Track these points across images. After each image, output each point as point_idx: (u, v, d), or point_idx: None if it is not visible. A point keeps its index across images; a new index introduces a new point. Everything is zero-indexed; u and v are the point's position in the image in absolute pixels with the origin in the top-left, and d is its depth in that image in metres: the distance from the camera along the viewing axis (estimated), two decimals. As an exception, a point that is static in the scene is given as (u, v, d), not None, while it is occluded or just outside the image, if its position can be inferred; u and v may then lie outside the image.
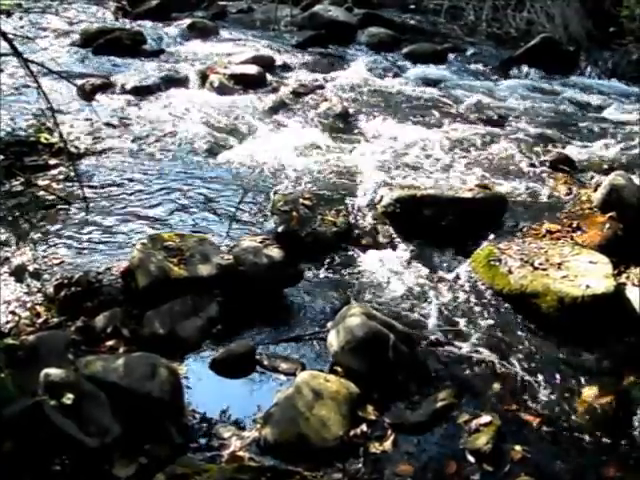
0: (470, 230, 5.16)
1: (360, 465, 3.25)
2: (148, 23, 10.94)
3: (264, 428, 3.37)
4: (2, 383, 3.16)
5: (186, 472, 3.06)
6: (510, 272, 4.51)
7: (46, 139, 6.18)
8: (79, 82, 7.65)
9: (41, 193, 5.48)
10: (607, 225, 5.13)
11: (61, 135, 5.67)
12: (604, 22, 10.23)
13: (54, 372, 3.27)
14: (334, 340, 3.85)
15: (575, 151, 6.71)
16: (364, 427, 3.43)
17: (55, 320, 4.07)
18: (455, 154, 6.47)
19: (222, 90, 8.05)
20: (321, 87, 8.39)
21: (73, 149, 6.19)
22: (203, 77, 8.36)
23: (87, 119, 6.95)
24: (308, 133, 6.90)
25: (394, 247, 5.06)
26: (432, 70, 9.67)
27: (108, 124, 6.92)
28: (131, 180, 5.82)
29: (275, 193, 5.50)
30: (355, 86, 8.48)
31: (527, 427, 3.54)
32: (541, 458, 3.37)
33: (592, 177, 6.05)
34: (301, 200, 5.33)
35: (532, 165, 6.25)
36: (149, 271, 4.28)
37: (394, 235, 5.17)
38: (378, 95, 8.29)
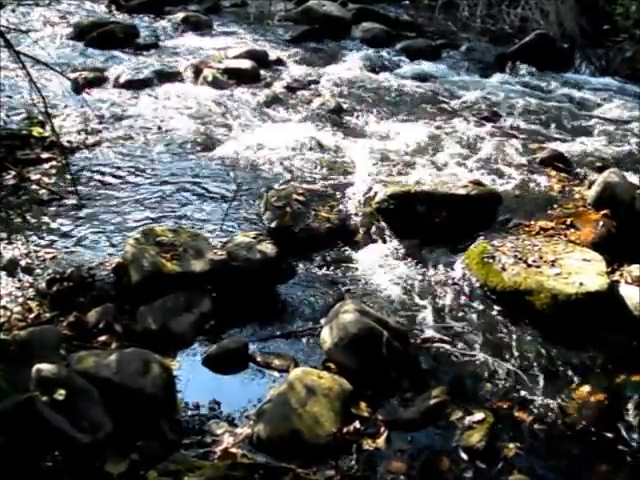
0: (464, 227, 5.16)
1: (353, 462, 3.24)
2: (141, 16, 10.88)
3: (257, 425, 3.36)
4: (-7, 379, 3.16)
5: (179, 469, 3.06)
6: (504, 269, 4.51)
7: (39, 132, 6.16)
8: (72, 75, 7.61)
9: (33, 187, 5.45)
10: (601, 222, 5.13)
11: (53, 129, 5.66)
12: (598, 19, 10.23)
13: (46, 367, 3.26)
14: (327, 336, 3.85)
15: (569, 148, 6.69)
16: (357, 424, 3.43)
17: (47, 315, 4.05)
18: (449, 150, 6.45)
19: (215, 84, 8.01)
20: (315, 82, 8.37)
21: (66, 143, 6.17)
22: (196, 71, 8.32)
23: (80, 112, 6.92)
24: (302, 128, 6.87)
25: (388, 243, 5.05)
26: (426, 66, 9.62)
27: (101, 118, 6.89)
28: (124, 174, 5.80)
29: (268, 189, 5.48)
30: (349, 81, 8.45)
31: (520, 424, 3.54)
32: (534, 455, 3.37)
33: (586, 174, 6.05)
34: (294, 196, 5.32)
35: (526, 162, 6.23)
36: (142, 266, 4.27)
37: (387, 231, 5.15)
38: (372, 91, 8.27)
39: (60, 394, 3.15)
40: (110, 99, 7.44)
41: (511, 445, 3.39)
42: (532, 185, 5.81)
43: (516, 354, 4.01)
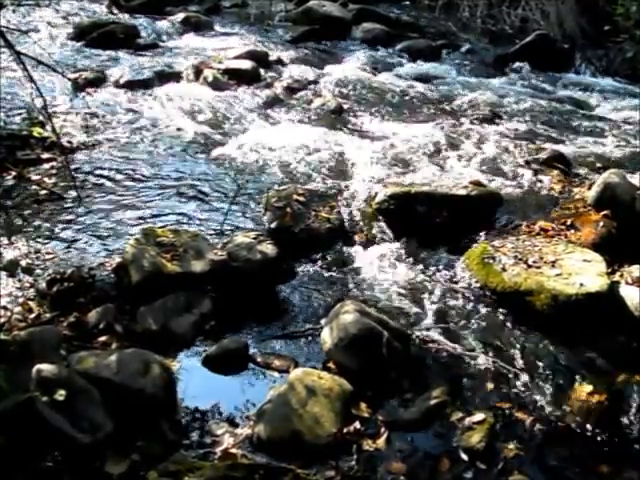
0: (464, 227, 5.16)
1: (353, 463, 3.24)
2: (142, 17, 10.87)
3: (257, 425, 3.36)
4: (-6, 379, 3.16)
5: (179, 469, 3.06)
6: (504, 270, 4.51)
7: (39, 133, 6.16)
8: (72, 75, 7.62)
9: (34, 187, 5.45)
10: (601, 223, 5.13)
11: (54, 129, 5.66)
12: (599, 20, 10.23)
13: (46, 368, 3.26)
14: (327, 337, 3.85)
15: (569, 149, 6.70)
16: (357, 424, 3.43)
17: (47, 315, 4.04)
18: (449, 151, 6.45)
19: (216, 85, 8.02)
20: (315, 83, 8.39)
21: (66, 143, 6.16)
22: (197, 72, 8.32)
23: (80, 113, 6.92)
24: (302, 129, 6.89)
25: (388, 244, 5.05)
26: (427, 66, 9.66)
27: (101, 118, 6.89)
28: (124, 175, 5.80)
29: (269, 189, 5.48)
30: (349, 82, 8.45)
31: (520, 425, 3.54)
32: (534, 456, 3.37)
33: (586, 175, 6.05)
34: (295, 196, 5.31)
35: (526, 162, 6.23)
36: (142, 267, 4.26)
37: (388, 232, 5.16)
38: (372, 91, 8.27)
39: (60, 394, 3.15)
40: (110, 99, 7.45)
41: (511, 445, 3.38)
42: (532, 186, 5.81)
43: (516, 354, 4.00)
